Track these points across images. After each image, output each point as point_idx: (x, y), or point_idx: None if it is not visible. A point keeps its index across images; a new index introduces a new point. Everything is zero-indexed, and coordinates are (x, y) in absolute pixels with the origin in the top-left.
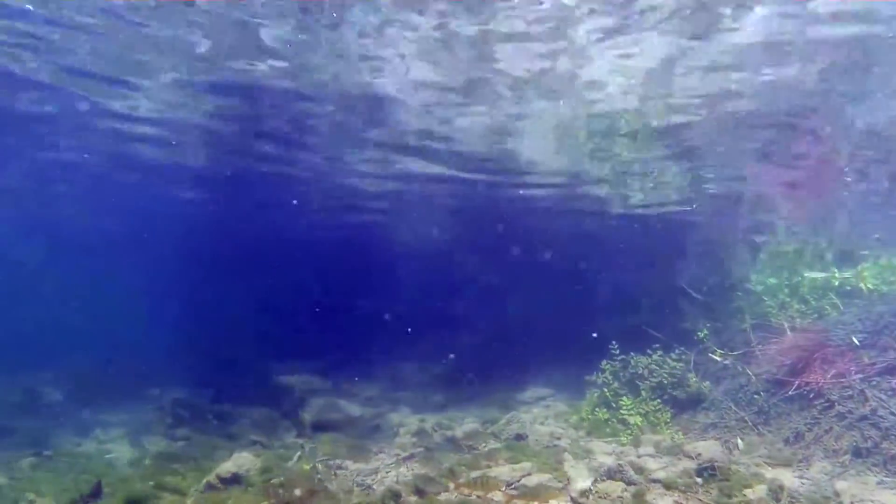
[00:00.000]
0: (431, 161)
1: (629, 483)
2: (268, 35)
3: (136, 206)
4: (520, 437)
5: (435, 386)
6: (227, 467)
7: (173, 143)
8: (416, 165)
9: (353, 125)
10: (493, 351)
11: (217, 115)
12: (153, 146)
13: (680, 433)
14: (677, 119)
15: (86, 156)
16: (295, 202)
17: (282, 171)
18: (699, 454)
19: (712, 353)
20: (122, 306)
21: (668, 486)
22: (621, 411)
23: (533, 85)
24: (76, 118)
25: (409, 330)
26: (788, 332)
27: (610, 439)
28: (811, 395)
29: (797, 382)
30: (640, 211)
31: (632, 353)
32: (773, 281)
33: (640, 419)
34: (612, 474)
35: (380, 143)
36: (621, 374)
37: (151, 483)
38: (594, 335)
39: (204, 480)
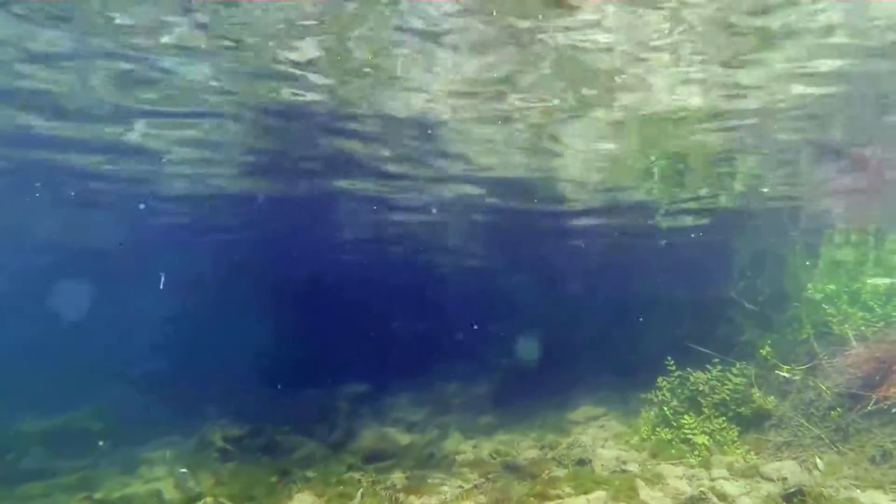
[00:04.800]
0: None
1: None
2: None
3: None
4: (583, 461)
5: (480, 407)
6: None
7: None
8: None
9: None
10: (537, 369)
11: None
12: None
13: (752, 453)
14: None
15: None
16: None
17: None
18: (784, 478)
19: (778, 370)
20: (160, 335)
21: None
22: (684, 430)
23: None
24: None
25: (450, 349)
26: (854, 342)
27: (677, 461)
28: (893, 410)
29: (876, 397)
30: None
31: (688, 369)
32: (832, 288)
33: (706, 439)
34: (695, 503)
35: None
36: (679, 390)
37: None
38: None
39: None
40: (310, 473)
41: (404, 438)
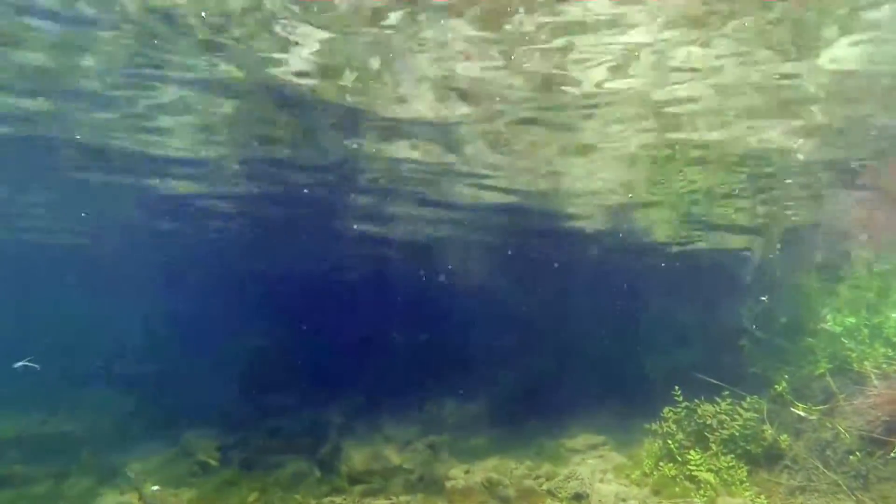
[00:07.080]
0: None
1: None
2: None
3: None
4: (580, 496)
5: (474, 427)
6: None
7: None
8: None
9: None
10: (534, 390)
11: None
12: None
13: (762, 496)
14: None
15: None
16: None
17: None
18: None
19: (793, 407)
20: (146, 341)
21: None
22: (689, 466)
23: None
24: None
25: (447, 367)
26: (875, 381)
27: (681, 500)
28: None
29: None
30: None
31: (696, 400)
32: (852, 321)
33: (713, 477)
34: None
35: None
36: (686, 423)
37: None
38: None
39: None
40: (288, 495)
41: (395, 458)
